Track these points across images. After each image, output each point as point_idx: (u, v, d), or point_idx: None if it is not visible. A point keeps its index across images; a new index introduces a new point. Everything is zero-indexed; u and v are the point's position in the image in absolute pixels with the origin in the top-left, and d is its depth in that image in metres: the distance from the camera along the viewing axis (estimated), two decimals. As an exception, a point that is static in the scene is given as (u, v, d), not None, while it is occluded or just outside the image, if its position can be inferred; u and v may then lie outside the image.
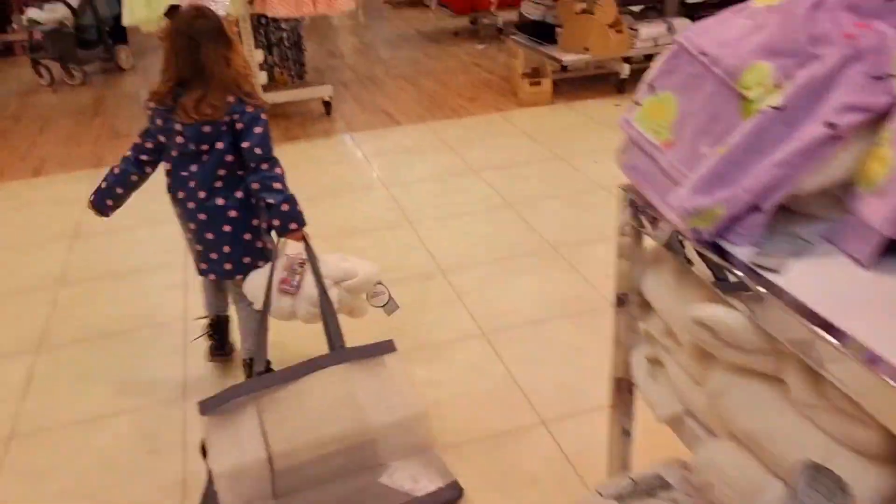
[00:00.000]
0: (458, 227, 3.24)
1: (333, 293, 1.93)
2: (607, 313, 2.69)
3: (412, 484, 1.63)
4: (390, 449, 1.65)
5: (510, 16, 6.72)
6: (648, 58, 5.32)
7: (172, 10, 1.94)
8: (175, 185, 2.06)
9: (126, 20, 3.79)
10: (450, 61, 6.15)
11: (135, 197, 2.75)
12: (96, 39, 5.95)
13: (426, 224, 3.27)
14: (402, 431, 1.67)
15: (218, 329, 2.34)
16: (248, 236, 2.07)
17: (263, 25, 4.70)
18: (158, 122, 2.01)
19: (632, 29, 4.86)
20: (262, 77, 4.62)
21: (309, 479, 1.61)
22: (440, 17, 7.81)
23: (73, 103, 5.46)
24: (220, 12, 2.05)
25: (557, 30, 5.03)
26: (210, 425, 1.60)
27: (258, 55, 4.53)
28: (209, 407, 1.60)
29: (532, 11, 5.30)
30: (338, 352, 1.76)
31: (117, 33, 6.18)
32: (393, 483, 1.63)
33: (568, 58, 4.84)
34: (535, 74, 4.97)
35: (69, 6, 5.69)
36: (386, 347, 1.73)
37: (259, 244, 2.10)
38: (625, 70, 4.91)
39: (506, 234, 3.15)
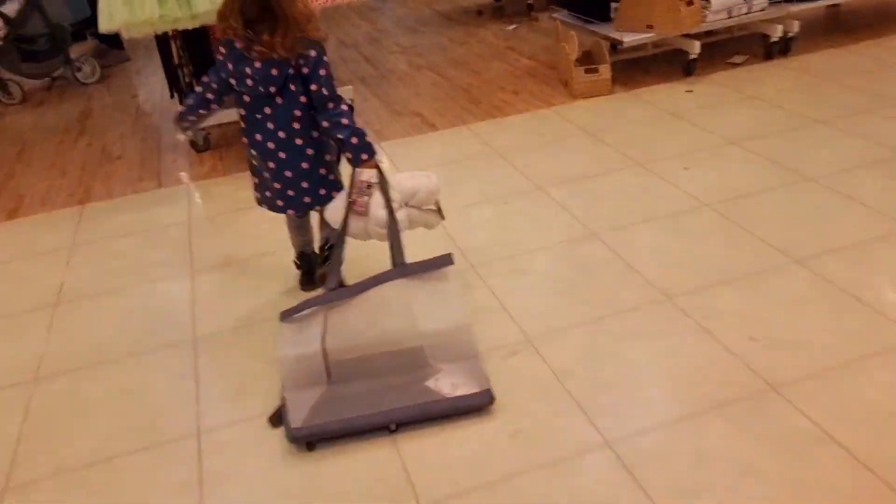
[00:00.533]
0: (537, 272, 2.55)
1: (403, 213, 2.11)
2: (771, 404, 1.85)
3: (451, 389, 1.87)
4: (437, 354, 1.91)
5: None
6: (710, 33, 4.57)
7: None
8: (251, 127, 2.17)
9: (104, 25, 3.09)
10: (479, 46, 5.41)
11: (130, 246, 2.92)
12: (48, 49, 5.15)
13: (495, 268, 2.59)
14: (448, 339, 1.93)
15: (306, 262, 2.53)
16: (322, 171, 2.22)
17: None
18: (229, 65, 2.10)
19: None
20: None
21: (362, 370, 1.90)
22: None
23: (56, 119, 4.78)
24: None
25: (612, 5, 4.28)
26: (283, 328, 1.97)
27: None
28: (286, 315, 1.99)
29: (578, -15, 4.54)
30: (400, 267, 2.02)
31: (111, 38, 5.45)
32: (436, 387, 1.87)
33: (629, 38, 4.10)
34: (587, 60, 4.24)
35: (1, 15, 4.91)
36: (444, 261, 2.01)
37: (332, 176, 2.26)
38: (694, 48, 4.17)
39: (601, 279, 2.46)
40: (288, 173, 2.18)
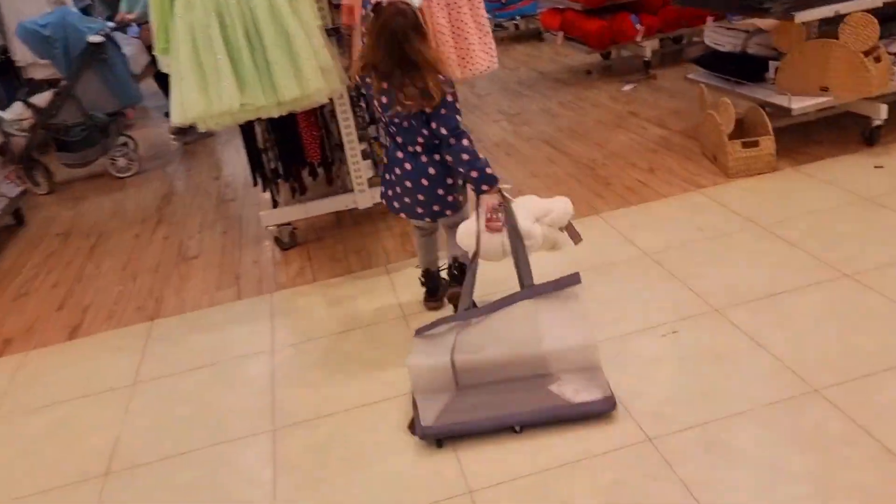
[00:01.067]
0: (750, 454, 1.79)
1: (537, 229, 2.13)
2: None
3: (573, 394, 1.94)
4: (560, 366, 1.97)
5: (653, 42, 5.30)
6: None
7: (377, 7, 2.10)
8: (386, 136, 2.39)
9: (177, 118, 2.61)
10: (596, 111, 4.75)
11: (200, 385, 2.49)
12: (84, 139, 4.74)
13: (684, 444, 1.85)
14: (572, 356, 1.98)
15: (430, 280, 2.63)
16: (440, 191, 2.29)
17: (364, 96, 3.46)
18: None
19: (890, 54, 3.33)
20: (368, 168, 3.37)
21: (488, 377, 1.99)
22: (561, 52, 6.44)
23: (136, 205, 4.40)
24: (416, 4, 2.11)
25: (772, 64, 3.56)
26: (417, 342, 2.12)
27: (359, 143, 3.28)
28: (421, 331, 2.13)
29: (722, 41, 3.84)
30: (528, 289, 2.06)
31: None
32: (559, 391, 1.95)
33: (800, 104, 3.35)
34: (736, 129, 3.49)
35: (30, 105, 4.59)
36: (571, 280, 2.05)
37: (450, 198, 2.32)
38: (880, 113, 3.37)
39: (852, 473, 1.68)
40: (408, 183, 2.28)
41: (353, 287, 2.96)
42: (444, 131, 2.14)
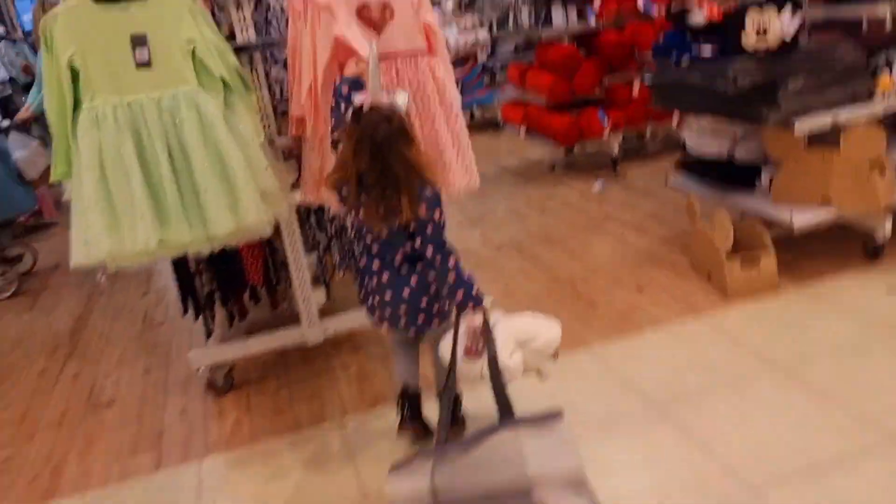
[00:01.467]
0: None
1: (518, 356, 2.03)
2: None
3: None
4: (546, 484, 1.79)
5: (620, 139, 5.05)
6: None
7: (356, 113, 1.90)
8: (358, 246, 2.14)
9: (78, 259, 2.09)
10: (567, 213, 4.41)
11: None
12: None
13: None
14: (559, 482, 1.80)
15: (408, 402, 2.29)
16: (423, 303, 2.08)
17: (314, 212, 3.01)
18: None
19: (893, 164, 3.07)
20: (320, 296, 2.89)
21: (468, 497, 1.82)
22: (521, 144, 6.15)
23: (46, 330, 3.79)
24: (401, 105, 1.89)
25: (764, 171, 3.27)
26: (392, 475, 1.86)
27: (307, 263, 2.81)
28: (395, 466, 1.87)
29: (706, 147, 3.55)
30: (507, 421, 1.90)
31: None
32: (544, 500, 1.78)
33: (801, 219, 3.03)
34: (734, 244, 3.15)
35: None
36: (554, 416, 1.85)
37: (435, 308, 2.10)
38: (884, 229, 3.08)
39: None
40: (388, 295, 2.08)
41: (300, 452, 2.41)
42: (429, 251, 1.95)
